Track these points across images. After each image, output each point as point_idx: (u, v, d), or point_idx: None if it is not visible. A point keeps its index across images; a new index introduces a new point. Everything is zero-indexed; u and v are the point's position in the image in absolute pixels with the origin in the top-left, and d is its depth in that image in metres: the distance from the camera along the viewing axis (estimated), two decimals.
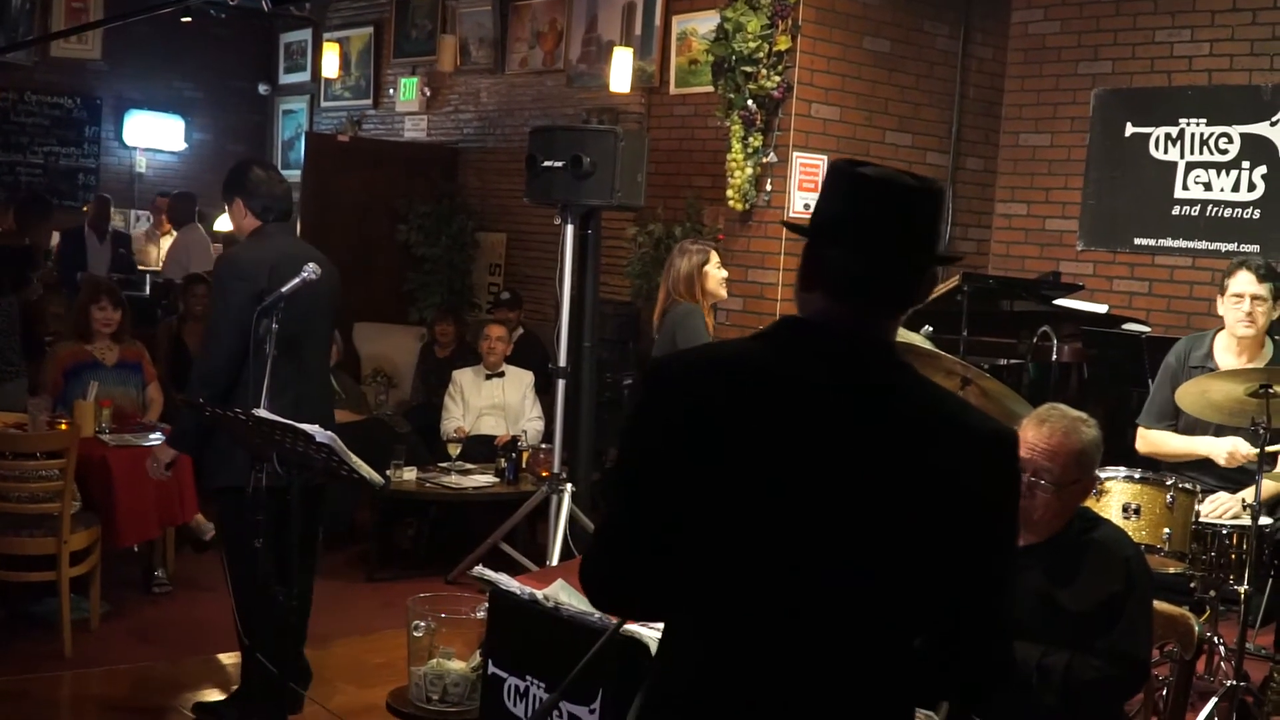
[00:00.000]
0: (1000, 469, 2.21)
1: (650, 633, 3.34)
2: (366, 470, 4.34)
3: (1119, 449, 5.78)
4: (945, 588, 2.17)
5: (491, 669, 3.81)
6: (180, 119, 13.98)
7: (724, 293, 6.79)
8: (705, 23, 8.91)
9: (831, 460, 2.13)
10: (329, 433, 4.24)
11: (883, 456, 2.13)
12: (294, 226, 5.65)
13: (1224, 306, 5.61)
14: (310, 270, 4.82)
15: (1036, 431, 3.62)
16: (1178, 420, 5.66)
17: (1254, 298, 5.50)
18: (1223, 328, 5.69)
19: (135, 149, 13.82)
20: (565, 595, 3.64)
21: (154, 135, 13.85)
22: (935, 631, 2.22)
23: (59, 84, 13.25)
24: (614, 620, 3.07)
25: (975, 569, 2.19)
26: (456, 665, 4.15)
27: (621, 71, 8.96)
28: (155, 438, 6.65)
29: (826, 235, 2.22)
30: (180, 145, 14.03)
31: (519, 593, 3.71)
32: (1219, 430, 5.51)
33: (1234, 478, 5.46)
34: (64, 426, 6.19)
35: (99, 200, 12.46)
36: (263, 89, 14.54)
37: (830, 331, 2.20)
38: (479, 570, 3.89)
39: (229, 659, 5.87)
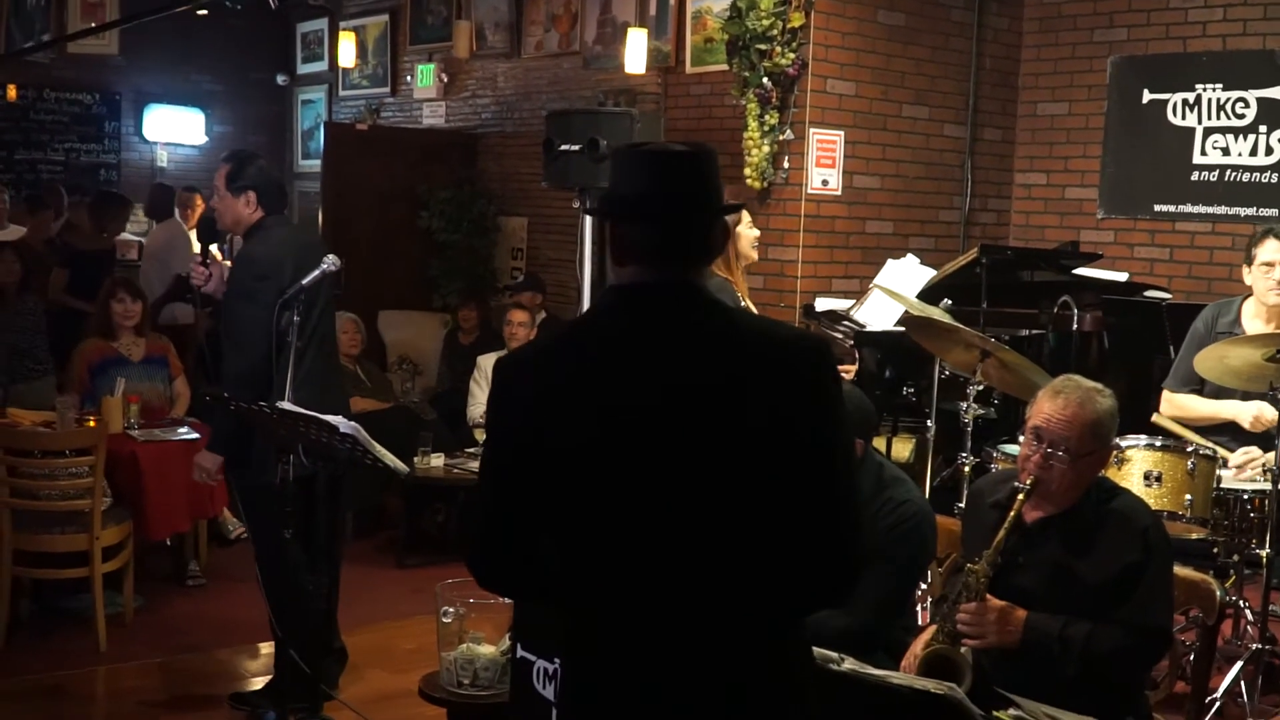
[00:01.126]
0: (812, 370, 2.38)
1: None
2: (391, 459, 4.39)
3: (1141, 417, 5.79)
4: (789, 494, 2.32)
5: (521, 652, 3.85)
6: (200, 112, 14.00)
7: (754, 254, 6.72)
8: (719, 1, 8.90)
9: (665, 402, 2.34)
10: (353, 423, 4.28)
11: (708, 388, 2.34)
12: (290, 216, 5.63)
13: (1252, 275, 5.60)
14: (331, 262, 4.86)
15: (1052, 403, 3.64)
16: (1203, 385, 5.66)
17: None
18: (1250, 295, 5.69)
19: (156, 143, 13.85)
20: None
21: (174, 129, 13.87)
22: (788, 538, 2.34)
23: (77, 80, 13.27)
24: None
25: (812, 470, 2.34)
26: (486, 650, 4.19)
27: (637, 52, 8.96)
28: (184, 432, 6.72)
29: (622, 212, 2.47)
30: (201, 139, 14.05)
31: None
32: (1246, 396, 5.51)
33: (1259, 444, 5.47)
34: (92, 423, 6.25)
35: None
36: (281, 80, 14.56)
37: (645, 289, 2.43)
38: None
39: (264, 649, 5.94)
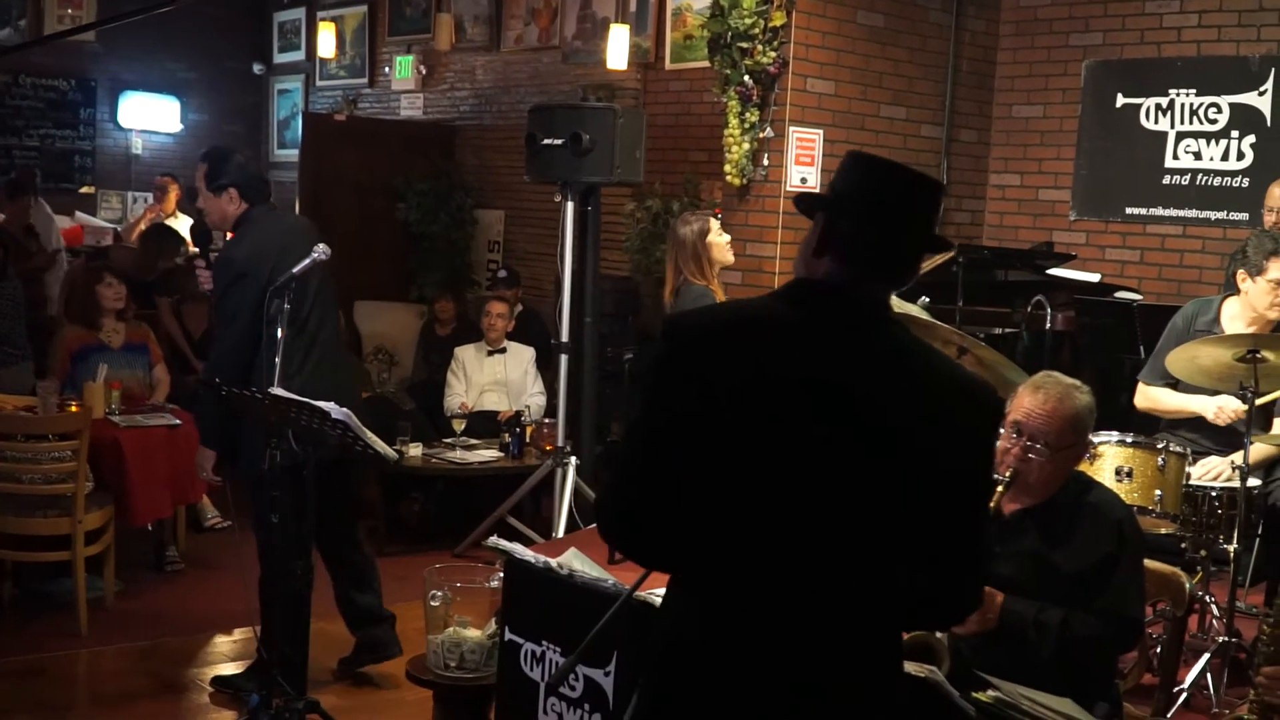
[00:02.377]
0: (983, 421, 2.44)
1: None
2: (381, 445, 4.45)
3: (1112, 414, 5.89)
4: (929, 526, 2.38)
5: (508, 635, 3.93)
6: (175, 100, 13.99)
7: (730, 257, 6.77)
8: None
9: (834, 406, 2.35)
10: (344, 409, 4.33)
11: (880, 404, 2.35)
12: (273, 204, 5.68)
13: (1254, 285, 5.59)
14: (320, 250, 4.91)
15: (1032, 398, 3.73)
16: (1178, 381, 5.73)
17: None
18: (1231, 294, 5.74)
19: (131, 131, 13.83)
20: (579, 563, 3.76)
21: (149, 117, 13.85)
22: (918, 566, 2.41)
23: (53, 66, 13.22)
24: (627, 586, 3.19)
25: (956, 511, 2.41)
26: (473, 633, 4.26)
27: (618, 48, 9.02)
28: (165, 418, 6.76)
29: (844, 209, 2.47)
30: (176, 126, 14.04)
31: (534, 561, 3.82)
32: (1214, 394, 5.60)
33: (1228, 441, 5.56)
34: (75, 409, 6.29)
35: None
36: (257, 69, 14.55)
37: (838, 289, 2.45)
38: (494, 540, 4.01)
39: (242, 634, 5.98)
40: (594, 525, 5.84)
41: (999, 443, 3.78)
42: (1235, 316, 5.72)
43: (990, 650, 3.57)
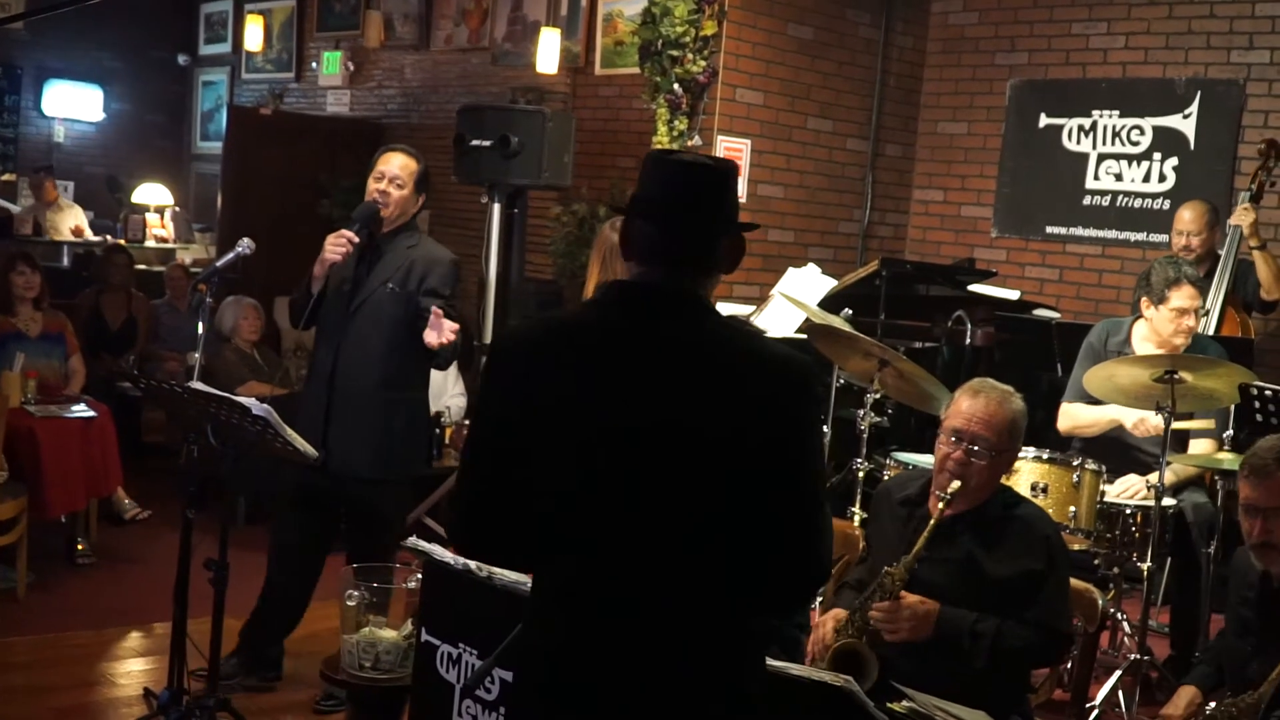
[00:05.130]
0: (796, 390, 2.46)
1: None
2: (301, 443, 4.41)
3: (1029, 430, 5.92)
4: (755, 508, 2.41)
5: (425, 637, 3.91)
6: (99, 89, 13.83)
7: None
8: (631, 4, 8.99)
9: (647, 399, 2.43)
10: (265, 405, 4.30)
11: (692, 390, 2.43)
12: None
13: (1156, 313, 5.64)
14: (244, 245, 4.88)
15: (972, 403, 3.80)
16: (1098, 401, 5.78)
17: (1195, 311, 5.63)
18: (1139, 318, 5.81)
19: (54, 119, 13.66)
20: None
21: (73, 105, 13.70)
22: (749, 549, 2.43)
23: None
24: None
25: (778, 489, 2.42)
26: (388, 634, 4.23)
27: (549, 52, 9.02)
28: (80, 409, 6.68)
29: (637, 211, 2.57)
30: (99, 115, 13.89)
31: (452, 563, 3.81)
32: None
33: (1146, 461, 5.63)
34: None
35: None
36: (182, 60, 14.41)
37: (645, 289, 2.54)
38: (413, 541, 3.99)
39: (160, 629, 5.89)
40: None
41: (938, 448, 3.84)
42: (1145, 338, 5.77)
43: (913, 658, 3.62)
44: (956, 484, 3.73)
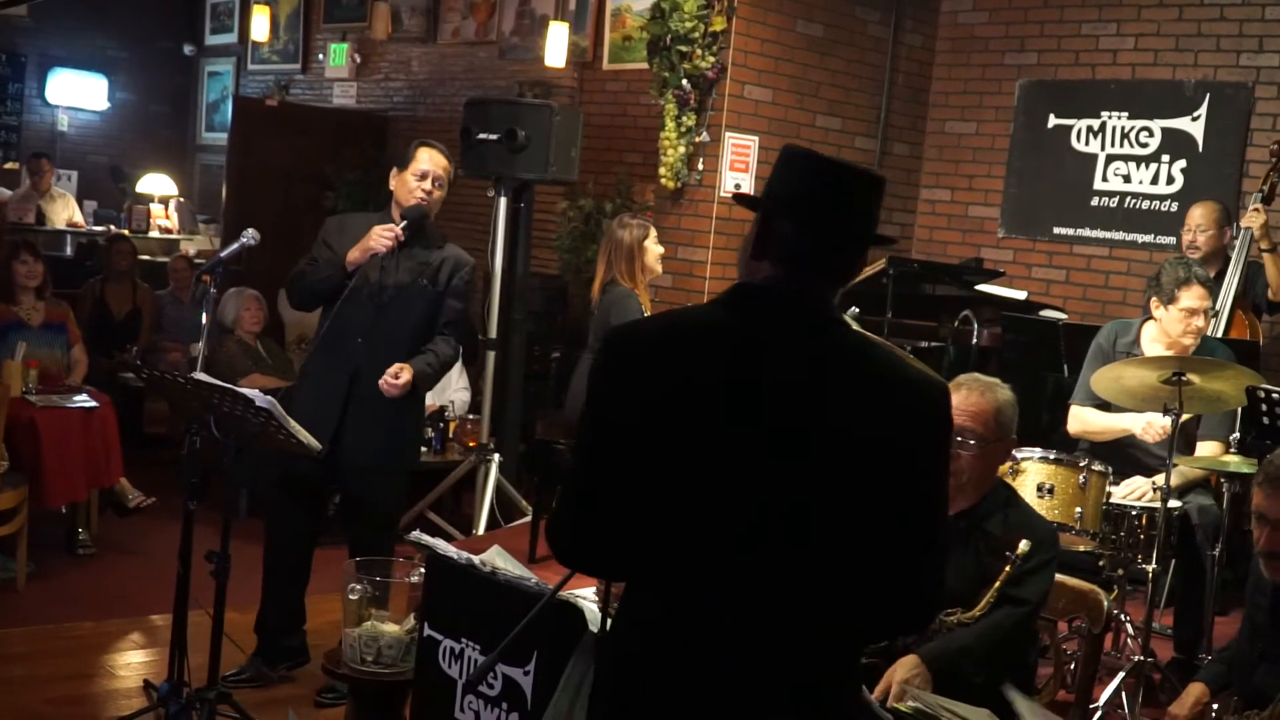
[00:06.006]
0: (934, 413, 2.38)
1: (586, 597, 3.44)
2: (305, 435, 4.39)
3: (1035, 431, 5.93)
4: (883, 525, 2.31)
5: (427, 631, 3.89)
6: (104, 78, 13.80)
7: (660, 269, 6.84)
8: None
9: (781, 413, 2.29)
10: (269, 397, 4.28)
11: (823, 404, 2.30)
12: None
13: (1165, 313, 5.64)
14: (249, 236, 4.87)
15: (955, 395, 3.78)
16: (1108, 403, 5.77)
17: (1205, 312, 5.63)
18: (1149, 319, 5.80)
19: (58, 108, 13.63)
20: (501, 561, 3.73)
21: (77, 94, 13.66)
22: (875, 567, 2.34)
23: None
24: (549, 585, 3.16)
25: (909, 507, 2.33)
26: (390, 628, 4.21)
27: (557, 46, 8.98)
28: (82, 399, 6.65)
29: (780, 210, 2.40)
30: (103, 105, 13.86)
31: (456, 557, 3.78)
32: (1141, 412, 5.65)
33: (1152, 464, 5.62)
34: None
35: None
36: (188, 50, 14.38)
37: (777, 292, 2.38)
38: (416, 535, 3.97)
39: (160, 620, 5.87)
40: (516, 523, 5.85)
41: None
42: (1154, 339, 5.77)
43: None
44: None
